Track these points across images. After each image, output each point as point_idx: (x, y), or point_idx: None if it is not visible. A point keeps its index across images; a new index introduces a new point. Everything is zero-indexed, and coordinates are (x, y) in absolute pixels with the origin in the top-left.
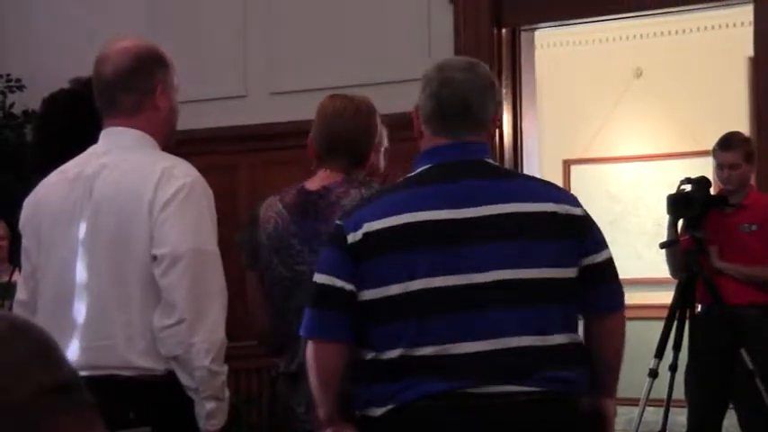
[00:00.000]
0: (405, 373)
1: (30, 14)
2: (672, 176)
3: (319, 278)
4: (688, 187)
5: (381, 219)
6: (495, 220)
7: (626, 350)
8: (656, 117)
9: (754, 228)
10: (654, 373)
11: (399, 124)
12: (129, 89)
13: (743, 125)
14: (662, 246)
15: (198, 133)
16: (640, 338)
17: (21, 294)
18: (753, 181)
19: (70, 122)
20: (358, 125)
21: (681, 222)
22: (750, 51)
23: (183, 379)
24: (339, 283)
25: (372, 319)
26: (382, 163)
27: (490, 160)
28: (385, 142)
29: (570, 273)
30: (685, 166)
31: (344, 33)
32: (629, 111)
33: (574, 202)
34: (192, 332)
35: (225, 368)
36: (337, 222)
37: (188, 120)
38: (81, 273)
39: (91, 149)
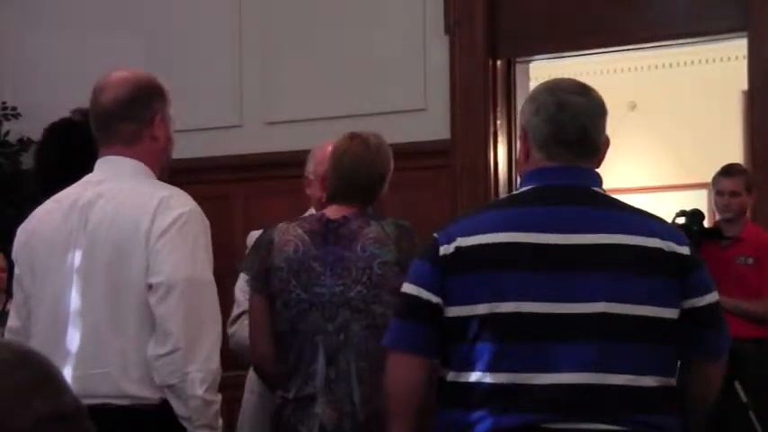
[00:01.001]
0: (480, 400)
1: (26, 43)
2: (666, 208)
3: (407, 288)
4: (682, 220)
5: (476, 234)
6: (597, 250)
7: None
8: (650, 149)
9: (750, 261)
10: None
11: (398, 153)
12: (127, 118)
13: (737, 158)
14: None
15: (193, 162)
16: None
17: (12, 322)
18: (748, 214)
19: (66, 152)
20: (374, 173)
21: None
22: (744, 85)
23: (177, 408)
24: (426, 295)
25: (455, 338)
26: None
27: (598, 189)
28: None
29: (670, 313)
30: (680, 199)
31: (340, 64)
32: (623, 143)
33: (681, 240)
34: (187, 361)
35: (219, 397)
36: (434, 235)
37: (183, 149)
38: (76, 301)
39: (86, 178)
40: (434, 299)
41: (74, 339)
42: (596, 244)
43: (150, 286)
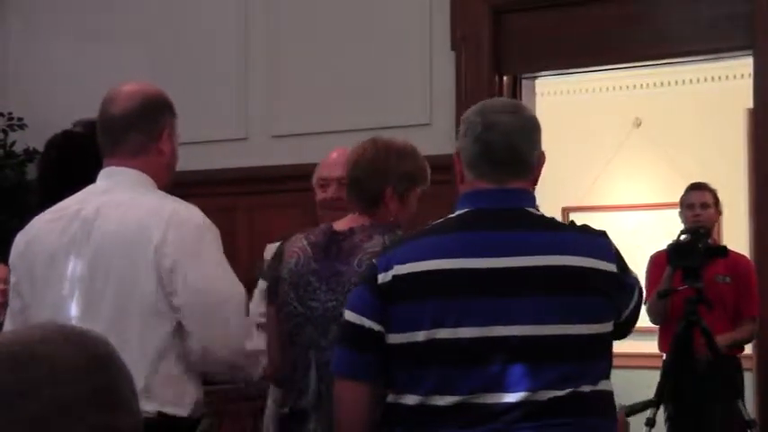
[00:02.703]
0: (423, 421)
1: (32, 54)
2: (670, 226)
3: (349, 316)
4: (687, 236)
5: (412, 262)
6: (527, 273)
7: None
8: (655, 166)
9: (727, 280)
10: (651, 422)
11: None
12: (135, 130)
13: (741, 176)
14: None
15: (198, 175)
16: (632, 387)
17: (7, 329)
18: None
19: (66, 163)
20: (381, 180)
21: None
22: (749, 103)
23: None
24: (368, 323)
25: (397, 363)
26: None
27: (532, 209)
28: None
29: (603, 328)
30: None
31: (346, 78)
32: (628, 160)
33: (609, 257)
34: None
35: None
36: (372, 261)
37: (188, 161)
38: (77, 311)
39: (90, 188)
40: (376, 327)
41: None
42: (527, 266)
43: (176, 307)
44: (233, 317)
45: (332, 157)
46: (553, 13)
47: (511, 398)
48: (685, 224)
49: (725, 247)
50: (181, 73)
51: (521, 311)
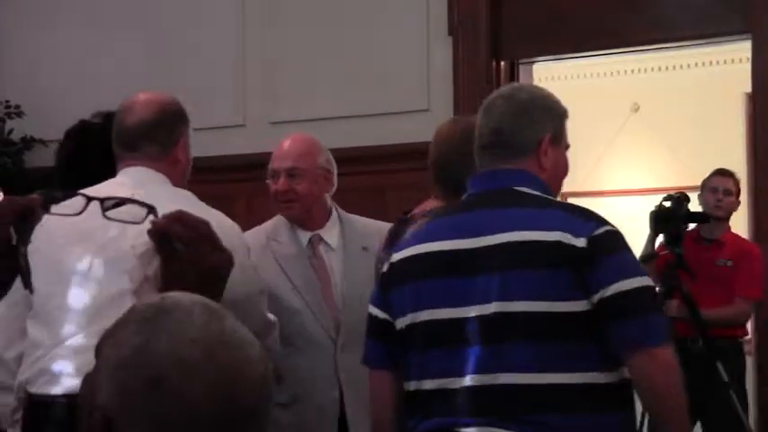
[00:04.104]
0: (416, 407)
1: (30, 42)
2: None
3: (368, 307)
4: (669, 204)
5: (405, 249)
6: (495, 250)
7: None
8: (653, 151)
9: (729, 263)
10: None
11: (401, 154)
12: (151, 140)
13: (740, 161)
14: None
15: (196, 162)
16: None
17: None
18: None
19: (82, 152)
20: (451, 160)
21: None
22: (747, 87)
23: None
24: (374, 311)
25: (401, 349)
26: None
27: (523, 188)
28: None
29: (571, 306)
30: None
31: (344, 64)
32: (626, 144)
33: (581, 231)
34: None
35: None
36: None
37: None
38: (86, 298)
39: (116, 180)
40: (381, 314)
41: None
42: (495, 244)
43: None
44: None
45: (283, 148)
46: None
47: (475, 381)
48: (705, 208)
49: (705, 214)
50: (178, 59)
51: (484, 290)
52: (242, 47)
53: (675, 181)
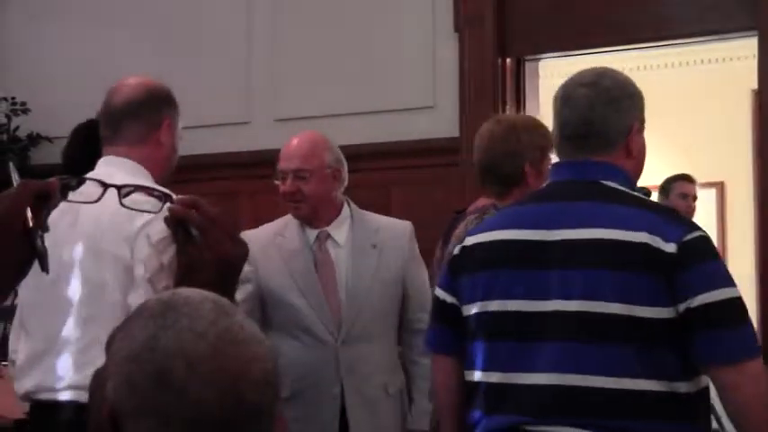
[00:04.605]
0: (477, 400)
1: (36, 39)
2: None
3: (435, 290)
4: None
5: (479, 234)
6: (576, 246)
7: None
8: (659, 148)
9: None
10: None
11: (407, 151)
12: (136, 119)
13: (746, 158)
14: None
15: (201, 159)
16: None
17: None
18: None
19: (88, 150)
20: (496, 152)
21: None
22: (754, 84)
23: None
24: (442, 295)
25: (467, 337)
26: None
27: (609, 182)
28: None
29: (654, 312)
30: None
31: (349, 61)
32: None
33: (671, 236)
34: None
35: None
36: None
37: (191, 145)
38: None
39: (89, 174)
40: (449, 299)
41: (66, 330)
42: (576, 239)
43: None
44: None
45: (290, 147)
46: None
47: (545, 379)
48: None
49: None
50: (184, 56)
51: (563, 286)
52: (247, 44)
53: None
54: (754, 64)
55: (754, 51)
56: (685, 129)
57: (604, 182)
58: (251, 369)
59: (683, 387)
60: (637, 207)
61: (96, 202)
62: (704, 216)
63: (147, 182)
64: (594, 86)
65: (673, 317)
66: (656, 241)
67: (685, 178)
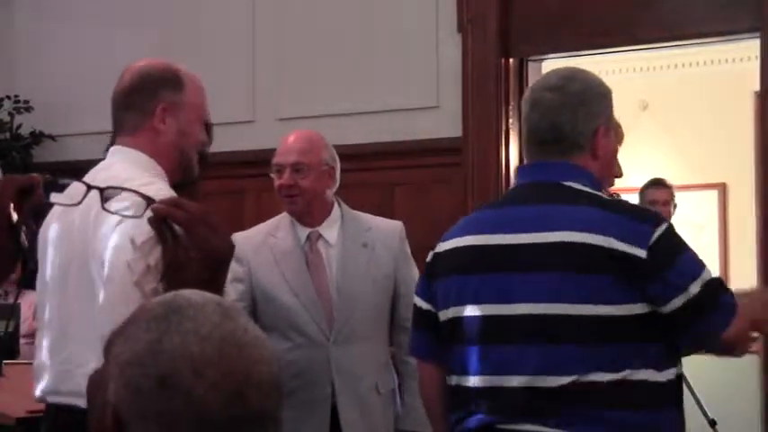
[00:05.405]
0: (458, 402)
1: (39, 37)
2: (678, 209)
3: (413, 298)
4: None
5: (449, 240)
6: (541, 249)
7: None
8: (662, 149)
9: None
10: None
11: (410, 151)
12: (130, 106)
13: (748, 159)
14: None
15: None
16: None
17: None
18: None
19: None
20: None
21: None
22: (756, 86)
23: None
24: (419, 302)
25: (445, 341)
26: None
27: (572, 183)
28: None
29: (622, 310)
30: (690, 199)
31: (353, 61)
32: (635, 143)
33: (638, 240)
34: None
35: None
36: None
37: None
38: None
39: (96, 166)
40: (425, 305)
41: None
42: (543, 243)
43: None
44: None
45: (288, 143)
46: None
47: (518, 381)
48: None
49: None
50: (188, 55)
51: (529, 289)
52: (251, 43)
53: (684, 179)
54: (756, 66)
55: (756, 53)
56: (687, 129)
57: (568, 183)
58: (256, 372)
59: (657, 376)
60: (599, 208)
61: (78, 204)
62: (706, 217)
63: (147, 173)
64: (561, 90)
65: (645, 312)
66: (624, 246)
67: (655, 184)
